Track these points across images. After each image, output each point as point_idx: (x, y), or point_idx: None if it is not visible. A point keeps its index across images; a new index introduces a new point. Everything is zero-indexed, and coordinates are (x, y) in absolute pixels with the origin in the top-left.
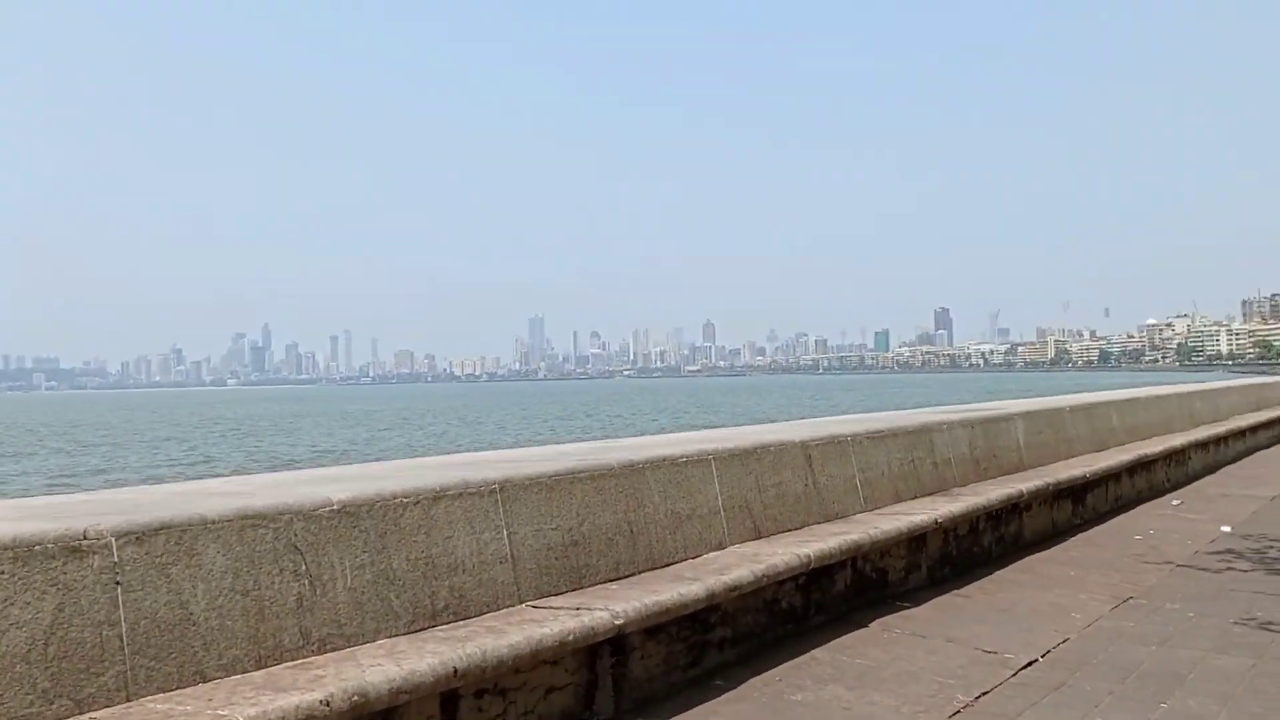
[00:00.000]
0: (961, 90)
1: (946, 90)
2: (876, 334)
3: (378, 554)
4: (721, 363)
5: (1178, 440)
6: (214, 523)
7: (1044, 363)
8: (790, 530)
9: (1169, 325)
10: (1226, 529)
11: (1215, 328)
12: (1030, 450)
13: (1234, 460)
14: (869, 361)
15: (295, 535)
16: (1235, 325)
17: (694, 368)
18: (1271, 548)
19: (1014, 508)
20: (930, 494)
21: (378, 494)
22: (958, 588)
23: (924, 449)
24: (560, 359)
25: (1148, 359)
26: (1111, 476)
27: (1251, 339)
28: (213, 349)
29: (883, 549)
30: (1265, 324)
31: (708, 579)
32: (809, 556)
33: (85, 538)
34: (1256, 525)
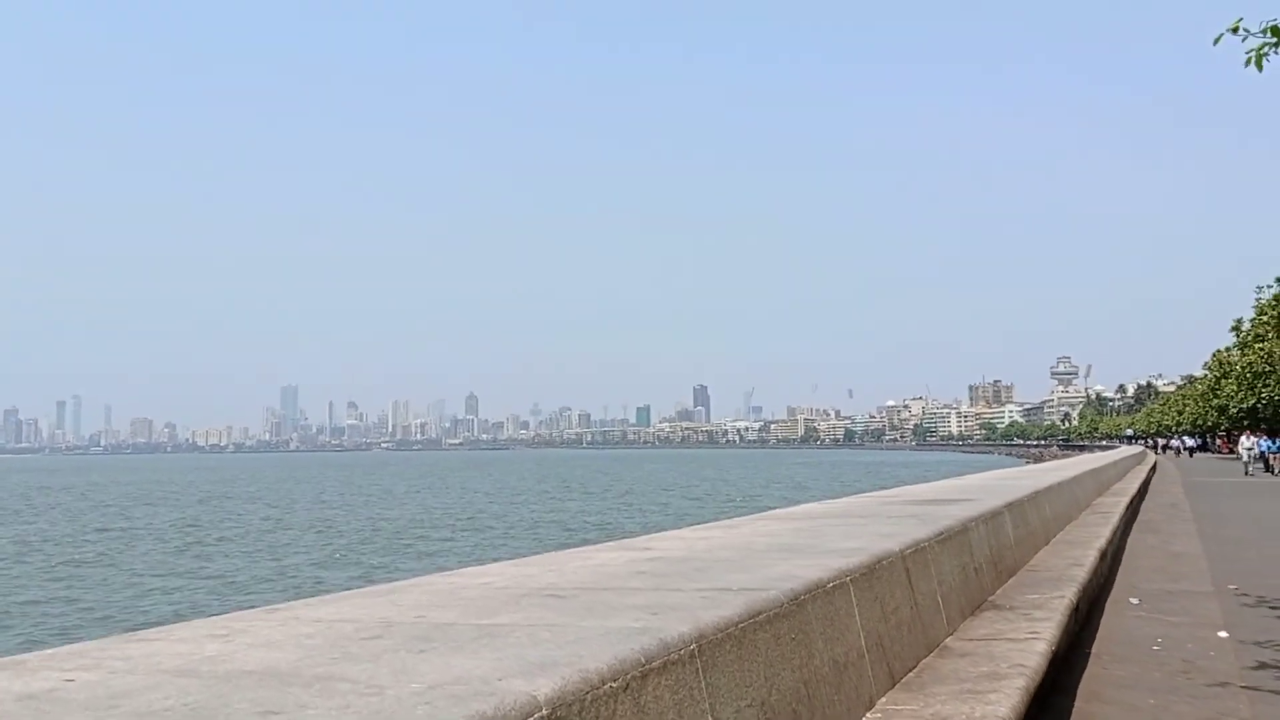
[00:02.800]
0: (721, 173)
1: (701, 171)
2: (638, 409)
3: None
4: (484, 436)
5: (1105, 530)
6: None
7: (795, 440)
8: (910, 669)
9: (906, 407)
10: (1224, 635)
11: (946, 410)
12: (1018, 547)
13: (1119, 549)
14: (631, 436)
15: None
16: (964, 408)
17: (455, 441)
18: None
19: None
20: (978, 607)
21: (584, 680)
22: None
23: (967, 552)
24: (315, 430)
25: (888, 438)
26: (1090, 575)
27: (978, 421)
28: None
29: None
30: (989, 407)
31: None
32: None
33: None
34: (1251, 630)
